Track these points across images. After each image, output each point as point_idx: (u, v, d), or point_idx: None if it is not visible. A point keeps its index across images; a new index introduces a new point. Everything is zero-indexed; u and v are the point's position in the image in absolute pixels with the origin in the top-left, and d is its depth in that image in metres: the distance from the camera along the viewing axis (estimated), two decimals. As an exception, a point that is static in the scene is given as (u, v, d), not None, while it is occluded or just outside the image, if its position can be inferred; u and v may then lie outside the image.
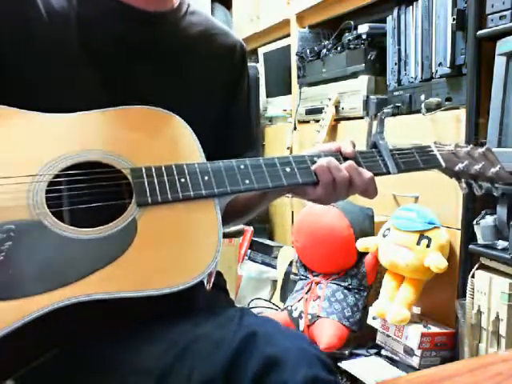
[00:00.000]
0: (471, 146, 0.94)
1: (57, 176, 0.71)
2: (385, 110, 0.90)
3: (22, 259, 0.65)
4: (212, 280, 0.84)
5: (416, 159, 0.88)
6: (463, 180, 0.92)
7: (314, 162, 0.82)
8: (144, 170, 0.74)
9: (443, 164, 0.90)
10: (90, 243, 0.68)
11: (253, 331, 0.67)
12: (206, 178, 0.75)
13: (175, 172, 0.75)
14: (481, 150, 0.94)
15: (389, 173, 0.85)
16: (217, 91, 0.93)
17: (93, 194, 0.72)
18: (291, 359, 0.63)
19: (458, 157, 0.92)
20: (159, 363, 0.67)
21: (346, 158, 0.83)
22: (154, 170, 0.74)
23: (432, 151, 0.91)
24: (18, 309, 0.62)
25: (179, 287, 0.67)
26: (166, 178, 0.74)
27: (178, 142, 0.80)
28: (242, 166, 0.78)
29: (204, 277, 0.70)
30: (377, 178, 0.84)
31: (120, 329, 0.72)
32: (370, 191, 0.83)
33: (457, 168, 0.90)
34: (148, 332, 0.72)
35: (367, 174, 0.82)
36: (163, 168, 0.75)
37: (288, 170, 0.80)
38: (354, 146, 0.85)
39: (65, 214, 0.71)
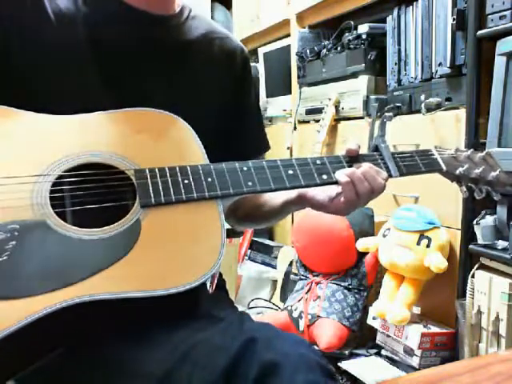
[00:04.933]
0: (472, 150, 0.96)
1: (61, 176, 0.71)
2: (387, 114, 0.90)
3: (25, 259, 0.65)
4: (215, 282, 0.85)
5: (417, 162, 0.90)
6: (464, 184, 0.93)
7: (316, 165, 0.83)
8: (148, 172, 0.74)
9: (444, 167, 0.91)
10: (94, 244, 0.68)
11: (252, 337, 0.67)
12: (210, 179, 0.76)
13: (179, 173, 0.75)
14: (481, 154, 0.96)
15: (390, 176, 0.87)
16: (217, 94, 0.94)
17: (97, 194, 0.72)
18: (290, 364, 0.63)
19: (459, 161, 0.93)
20: (160, 367, 0.67)
21: (349, 158, 0.85)
22: (157, 172, 0.74)
23: (433, 155, 0.92)
24: (21, 309, 0.62)
25: (179, 289, 0.67)
26: (169, 179, 0.74)
27: (181, 143, 0.80)
28: (245, 168, 0.79)
29: (208, 278, 0.70)
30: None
31: (122, 331, 0.72)
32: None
33: (457, 172, 0.91)
34: (150, 336, 0.72)
35: (383, 174, 0.84)
36: (167, 169, 0.75)
37: (291, 172, 0.81)
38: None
39: (68, 215, 0.71)
